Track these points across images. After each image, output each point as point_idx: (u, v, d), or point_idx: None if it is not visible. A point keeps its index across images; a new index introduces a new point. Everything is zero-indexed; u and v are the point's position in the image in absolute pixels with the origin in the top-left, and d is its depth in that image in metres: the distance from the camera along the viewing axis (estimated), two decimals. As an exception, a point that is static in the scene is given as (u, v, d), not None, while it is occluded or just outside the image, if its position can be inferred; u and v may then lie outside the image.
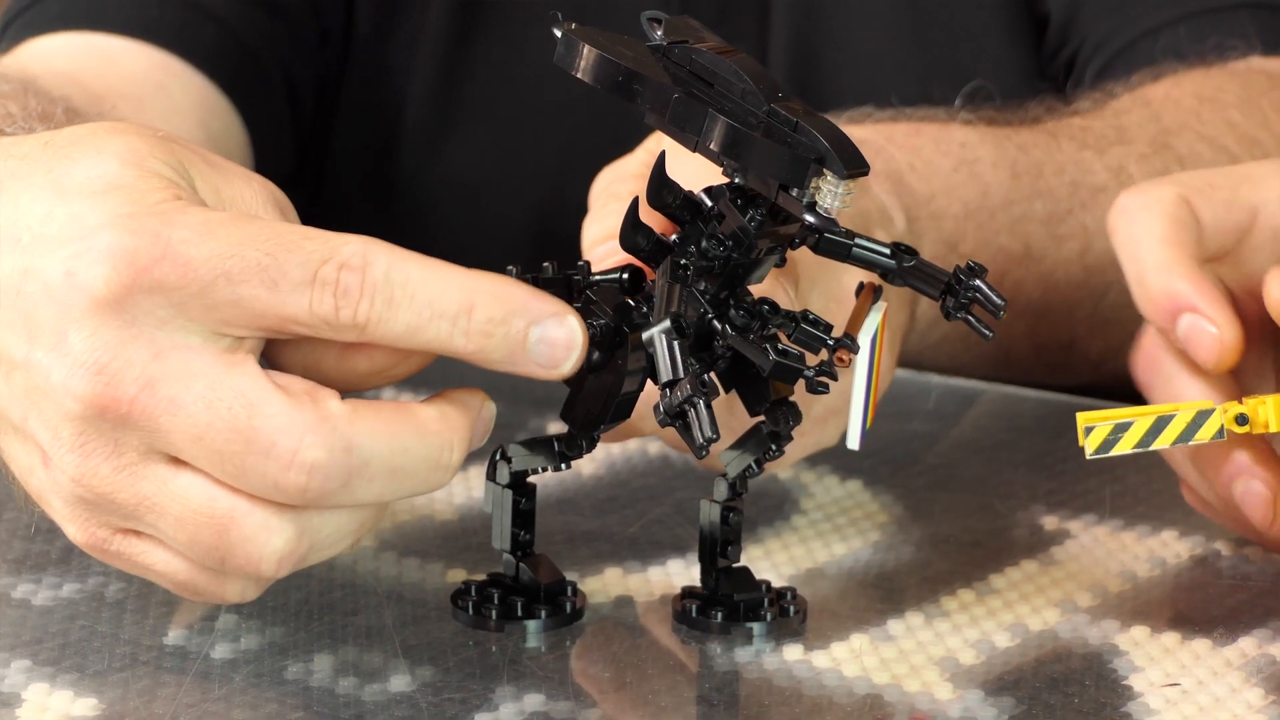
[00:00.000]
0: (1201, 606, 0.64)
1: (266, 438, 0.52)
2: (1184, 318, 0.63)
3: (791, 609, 0.62)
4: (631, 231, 0.58)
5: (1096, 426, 0.58)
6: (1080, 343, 0.93)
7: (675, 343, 0.56)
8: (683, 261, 0.58)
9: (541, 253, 0.62)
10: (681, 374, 0.55)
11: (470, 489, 0.74)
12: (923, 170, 0.84)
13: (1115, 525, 0.71)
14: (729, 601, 0.61)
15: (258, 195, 0.59)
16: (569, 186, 0.92)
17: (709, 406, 0.55)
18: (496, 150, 1.19)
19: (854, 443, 0.58)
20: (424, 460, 0.55)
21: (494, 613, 0.61)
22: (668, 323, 0.56)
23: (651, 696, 0.57)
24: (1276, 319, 0.60)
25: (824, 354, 0.57)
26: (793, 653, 0.60)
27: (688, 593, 0.63)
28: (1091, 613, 0.63)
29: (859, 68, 1.07)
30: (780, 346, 0.57)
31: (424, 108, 1.22)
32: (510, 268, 0.59)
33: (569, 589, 0.62)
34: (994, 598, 0.64)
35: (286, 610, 0.63)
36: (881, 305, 0.58)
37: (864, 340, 0.57)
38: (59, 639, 0.61)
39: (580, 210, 0.71)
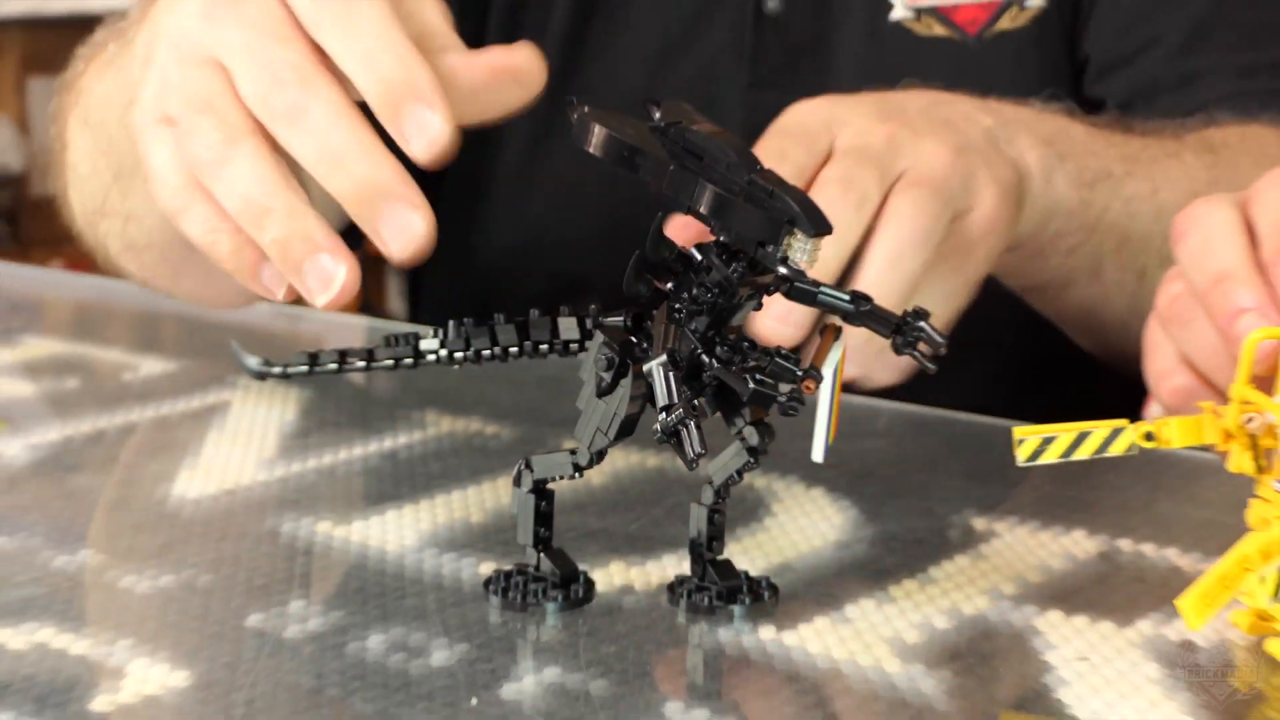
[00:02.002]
0: (1106, 594, 0.64)
1: None
2: (1243, 319, 0.59)
3: (765, 595, 0.62)
4: (634, 281, 0.58)
5: (1027, 439, 0.58)
6: (1150, 273, 0.90)
7: (670, 374, 0.56)
8: (676, 306, 0.58)
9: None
10: (676, 400, 0.56)
11: (499, 495, 0.73)
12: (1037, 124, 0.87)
13: (1034, 526, 0.71)
14: (714, 588, 0.61)
15: None
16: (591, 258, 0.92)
17: (699, 427, 0.55)
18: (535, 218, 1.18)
19: (818, 456, 0.58)
20: None
21: (519, 597, 0.61)
22: (664, 357, 0.56)
23: (650, 668, 0.57)
24: None
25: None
26: (766, 632, 0.60)
27: (679, 581, 0.62)
28: (1014, 599, 0.63)
29: None
30: (758, 377, 0.57)
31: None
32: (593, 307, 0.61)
33: (581, 577, 0.62)
34: (933, 586, 0.64)
35: (346, 597, 0.63)
36: (842, 342, 0.58)
37: (827, 372, 0.57)
38: (157, 621, 0.61)
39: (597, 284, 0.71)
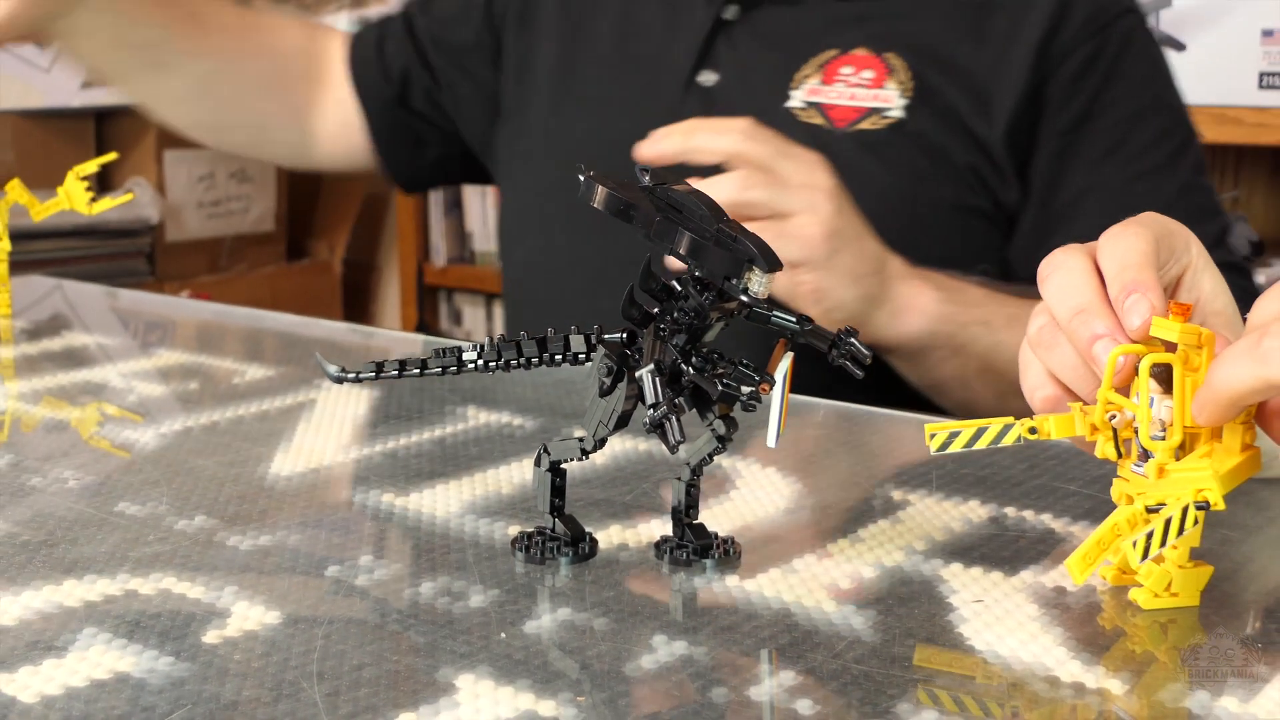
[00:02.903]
0: (996, 550, 0.63)
1: None
2: (1099, 343, 0.58)
3: (731, 551, 0.61)
4: (629, 306, 0.58)
5: (938, 433, 0.58)
6: (1006, 397, 0.94)
7: (656, 379, 0.55)
8: (661, 326, 0.57)
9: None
10: (661, 399, 0.55)
11: (524, 473, 0.72)
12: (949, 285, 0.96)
13: (939, 497, 0.70)
14: (691, 546, 0.60)
15: None
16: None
17: (679, 420, 0.55)
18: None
19: (771, 443, 0.57)
20: None
21: (539, 553, 0.60)
22: (652, 365, 0.56)
23: (641, 609, 0.56)
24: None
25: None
26: (731, 580, 0.59)
27: (664, 540, 0.61)
28: (924, 554, 0.62)
29: None
30: (725, 381, 0.56)
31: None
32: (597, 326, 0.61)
33: (587, 537, 0.61)
34: (861, 544, 0.63)
35: (404, 553, 0.62)
36: (790, 354, 0.57)
37: (778, 377, 0.56)
38: (256, 572, 0.59)
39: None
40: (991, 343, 0.95)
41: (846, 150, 1.05)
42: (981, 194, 1.07)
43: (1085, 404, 0.57)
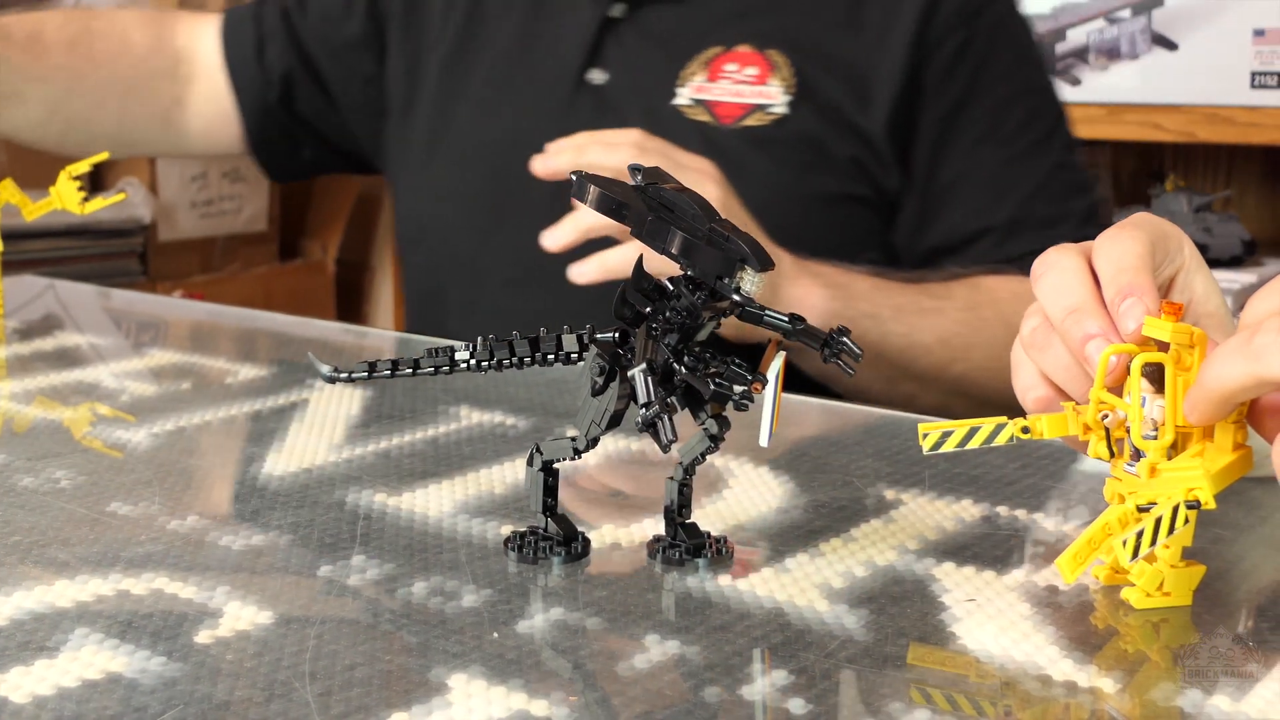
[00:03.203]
0: (988, 549, 0.63)
1: None
2: (1091, 343, 0.58)
3: (723, 550, 0.61)
4: (621, 306, 0.57)
5: (930, 433, 0.57)
6: (896, 380, 1.01)
7: (649, 378, 0.55)
8: (653, 325, 0.57)
9: None
10: (653, 398, 0.55)
11: (516, 472, 0.72)
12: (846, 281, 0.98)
13: (931, 496, 0.70)
14: (683, 545, 0.60)
15: None
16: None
17: (671, 419, 0.55)
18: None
19: (764, 442, 0.56)
20: None
21: (531, 552, 0.60)
22: (644, 365, 0.56)
23: (634, 607, 0.56)
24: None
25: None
26: (724, 579, 0.59)
27: (656, 539, 0.61)
28: (917, 553, 0.62)
29: None
30: (717, 380, 0.56)
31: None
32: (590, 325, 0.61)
33: (580, 537, 0.61)
34: (854, 544, 0.63)
35: (396, 552, 0.62)
36: (782, 354, 0.57)
37: (770, 376, 0.56)
38: (248, 571, 0.59)
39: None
40: (879, 335, 0.98)
41: (734, 146, 1.09)
42: (864, 183, 1.11)
43: (1078, 404, 0.57)
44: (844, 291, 0.98)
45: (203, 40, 1.28)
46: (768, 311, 0.57)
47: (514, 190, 1.15)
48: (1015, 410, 0.60)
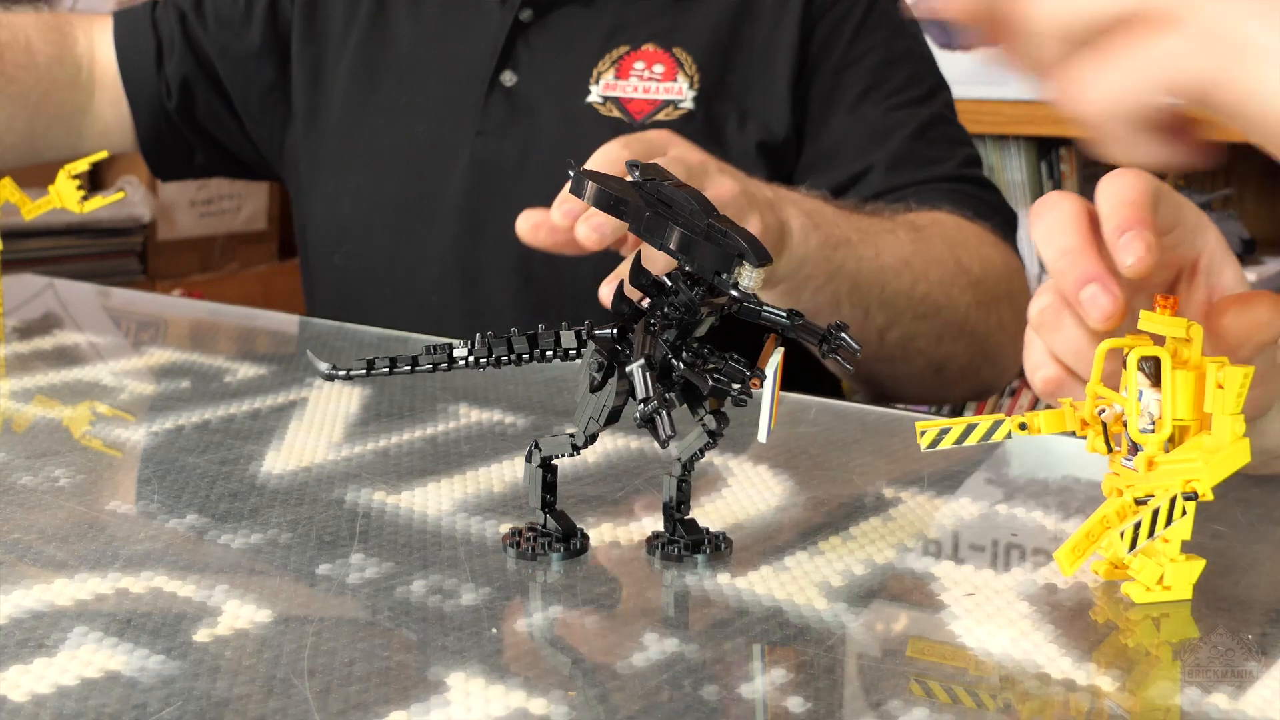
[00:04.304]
0: (987, 547, 0.63)
1: None
2: (1088, 288, 0.57)
3: (722, 547, 0.61)
4: (619, 302, 0.57)
5: (928, 430, 0.57)
6: (871, 311, 1.00)
7: (647, 373, 0.55)
8: (652, 321, 0.57)
9: None
10: (651, 394, 0.55)
11: (515, 470, 0.72)
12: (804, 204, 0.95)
13: (930, 495, 0.70)
14: (682, 541, 0.60)
15: None
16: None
17: (670, 415, 0.55)
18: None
19: (762, 438, 0.56)
20: None
21: (530, 549, 0.60)
22: (642, 361, 0.56)
23: (633, 605, 0.56)
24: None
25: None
26: (723, 577, 0.59)
27: (655, 536, 0.61)
28: (916, 551, 0.62)
29: None
30: (716, 376, 0.56)
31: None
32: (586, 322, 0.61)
33: (579, 534, 0.61)
34: (852, 541, 0.63)
35: (395, 550, 0.61)
36: (780, 349, 0.57)
37: (769, 372, 0.56)
38: (247, 570, 0.59)
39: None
40: (855, 261, 0.97)
41: None
42: (770, 167, 1.14)
43: (1074, 401, 0.57)
44: (818, 218, 0.96)
45: (101, 45, 1.28)
46: (765, 307, 0.57)
47: (433, 191, 1.18)
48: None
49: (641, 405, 0.55)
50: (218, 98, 1.28)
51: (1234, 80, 0.49)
